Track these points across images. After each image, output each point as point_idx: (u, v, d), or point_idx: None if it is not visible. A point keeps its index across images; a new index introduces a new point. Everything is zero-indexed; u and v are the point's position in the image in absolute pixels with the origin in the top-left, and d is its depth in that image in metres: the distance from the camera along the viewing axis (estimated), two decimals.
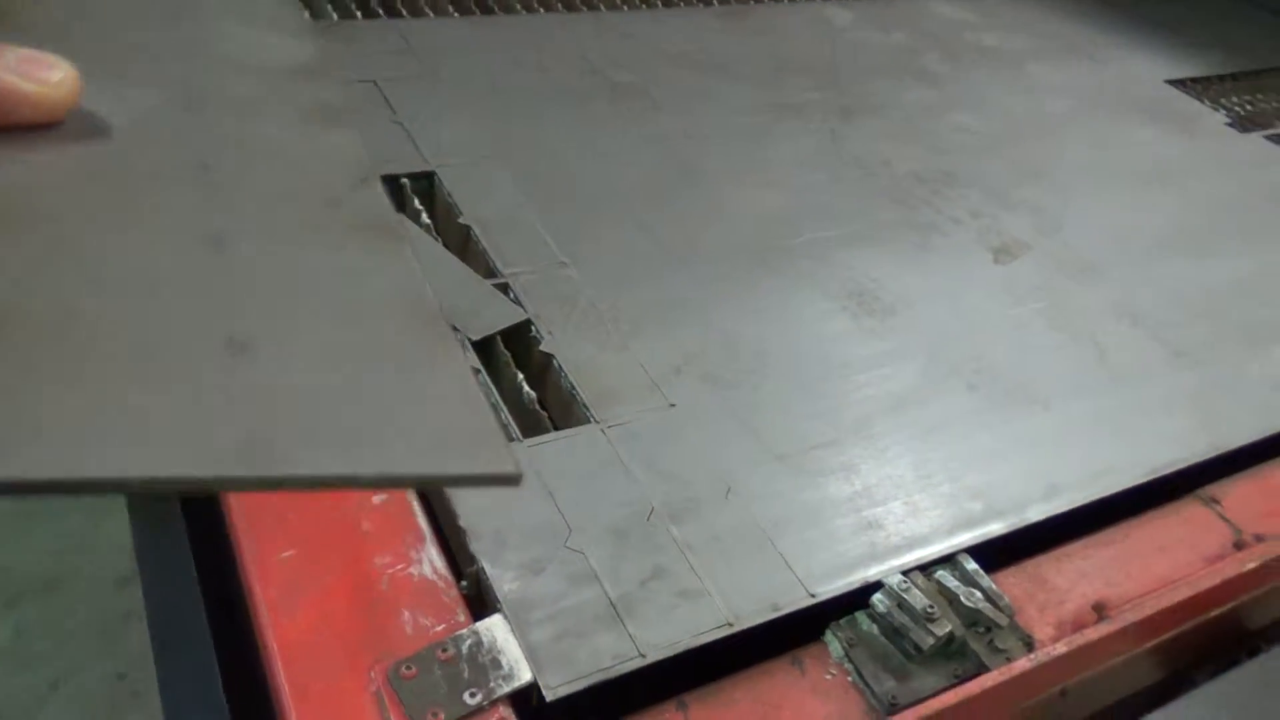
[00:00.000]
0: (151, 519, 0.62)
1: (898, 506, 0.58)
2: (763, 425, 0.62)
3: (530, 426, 0.60)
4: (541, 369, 0.64)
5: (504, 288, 0.68)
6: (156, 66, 0.33)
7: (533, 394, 0.62)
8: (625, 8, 1.15)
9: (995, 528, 0.58)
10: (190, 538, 0.56)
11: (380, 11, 1.03)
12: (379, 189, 0.36)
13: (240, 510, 0.50)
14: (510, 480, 0.30)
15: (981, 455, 0.63)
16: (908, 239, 0.83)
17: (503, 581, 0.49)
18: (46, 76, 0.28)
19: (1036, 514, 0.60)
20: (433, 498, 0.54)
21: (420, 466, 0.28)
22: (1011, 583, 0.57)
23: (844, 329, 0.72)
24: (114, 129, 0.30)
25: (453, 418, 0.30)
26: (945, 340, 0.72)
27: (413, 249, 0.34)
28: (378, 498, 0.53)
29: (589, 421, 0.60)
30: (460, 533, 0.52)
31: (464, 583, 0.50)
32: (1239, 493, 0.65)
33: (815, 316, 0.73)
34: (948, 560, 0.56)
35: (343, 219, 0.33)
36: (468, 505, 0.53)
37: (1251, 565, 0.59)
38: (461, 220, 0.74)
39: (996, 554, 0.58)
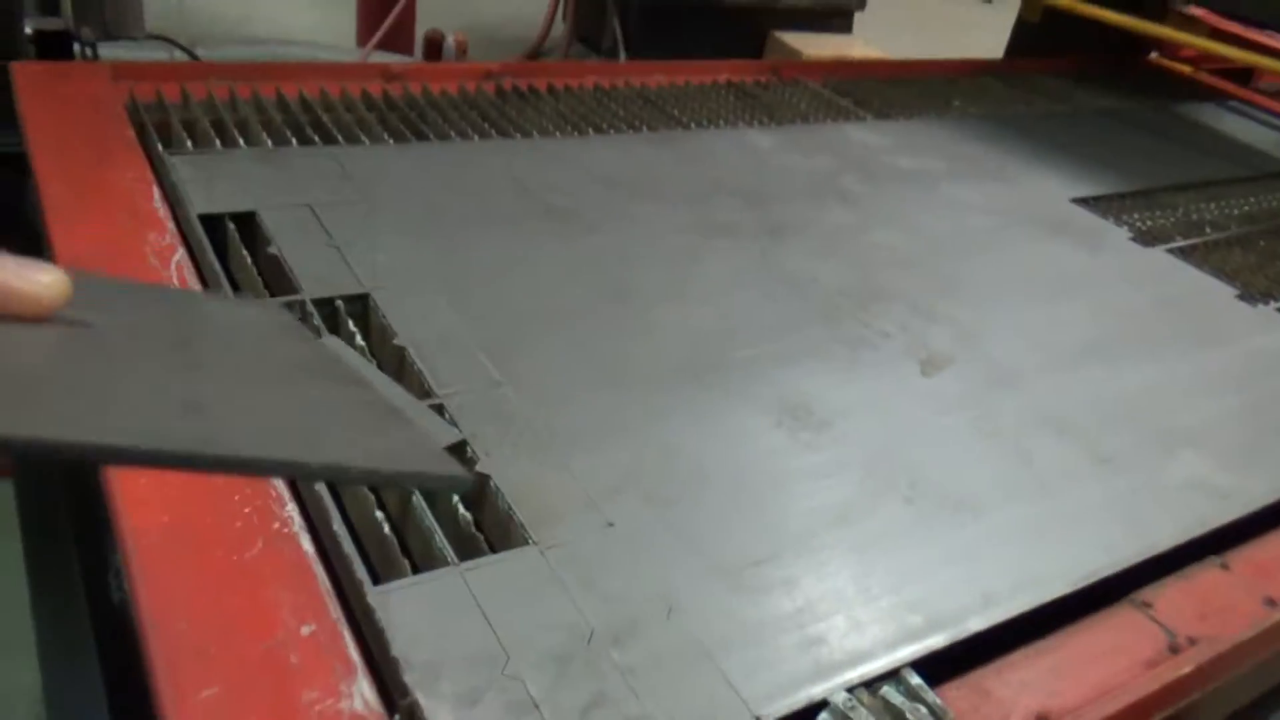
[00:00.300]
0: (62, 658, 0.59)
1: (840, 621, 0.58)
2: (703, 542, 0.62)
3: (466, 550, 0.58)
4: (478, 490, 0.63)
5: (439, 408, 0.68)
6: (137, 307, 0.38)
7: (468, 516, 0.61)
8: (557, 134, 1.19)
9: (937, 640, 0.58)
10: (104, 679, 0.53)
11: (316, 138, 1.05)
12: (347, 357, 0.42)
13: (159, 645, 0.48)
14: (460, 483, 0.34)
15: (919, 566, 0.64)
16: (838, 353, 0.85)
17: (437, 714, 0.48)
18: (39, 278, 0.33)
19: (976, 624, 0.60)
20: (364, 626, 0.52)
21: (369, 461, 0.31)
22: (955, 695, 0.56)
23: (780, 443, 0.73)
24: (96, 324, 0.34)
25: (405, 441, 0.34)
26: (879, 452, 0.74)
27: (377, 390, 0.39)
28: (305, 628, 0.51)
29: (527, 543, 0.59)
30: (393, 663, 0.50)
31: (397, 717, 0.48)
32: (1169, 596, 0.66)
33: (751, 431, 0.73)
34: (892, 675, 0.56)
35: (316, 372, 0.38)
36: (400, 634, 0.51)
37: (1187, 669, 0.60)
38: (396, 341, 0.74)
39: (939, 666, 0.58)
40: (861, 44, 3.12)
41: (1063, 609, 0.64)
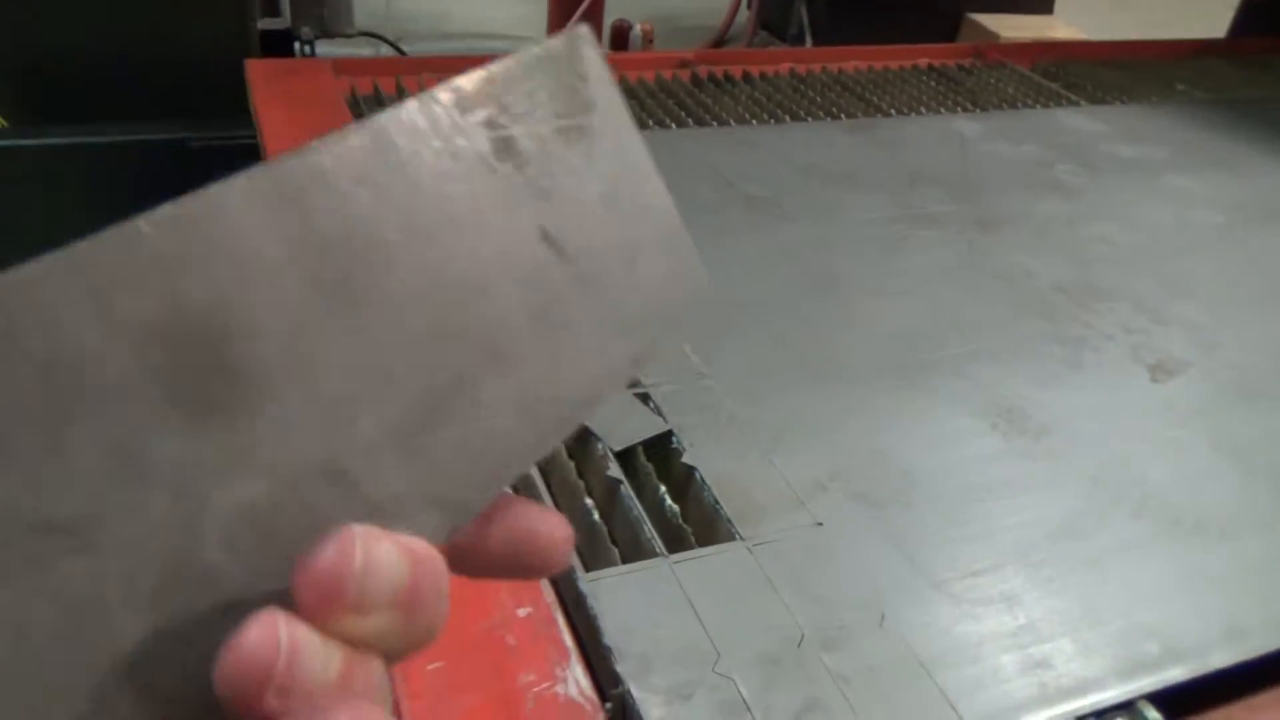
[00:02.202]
0: None
1: (1067, 644, 0.54)
2: (915, 548, 0.59)
3: (674, 542, 0.58)
4: (684, 482, 0.63)
5: (645, 398, 0.68)
6: None
7: (675, 508, 0.61)
8: (753, 121, 1.17)
9: (1176, 673, 0.54)
10: None
11: None
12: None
13: None
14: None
15: (1153, 590, 0.59)
16: (1057, 354, 0.80)
17: (650, 706, 0.47)
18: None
19: (1221, 659, 0.55)
20: (575, 613, 0.53)
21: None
22: None
23: (995, 449, 0.69)
24: None
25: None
26: (1105, 463, 0.68)
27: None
28: (522, 610, 0.52)
29: (734, 539, 0.58)
30: (605, 652, 0.50)
31: (609, 705, 0.48)
32: None
33: (963, 435, 0.70)
34: (1125, 707, 0.52)
35: None
36: (612, 623, 0.51)
37: None
38: None
39: (1174, 701, 0.53)
40: (1064, 24, 2.94)
41: None
